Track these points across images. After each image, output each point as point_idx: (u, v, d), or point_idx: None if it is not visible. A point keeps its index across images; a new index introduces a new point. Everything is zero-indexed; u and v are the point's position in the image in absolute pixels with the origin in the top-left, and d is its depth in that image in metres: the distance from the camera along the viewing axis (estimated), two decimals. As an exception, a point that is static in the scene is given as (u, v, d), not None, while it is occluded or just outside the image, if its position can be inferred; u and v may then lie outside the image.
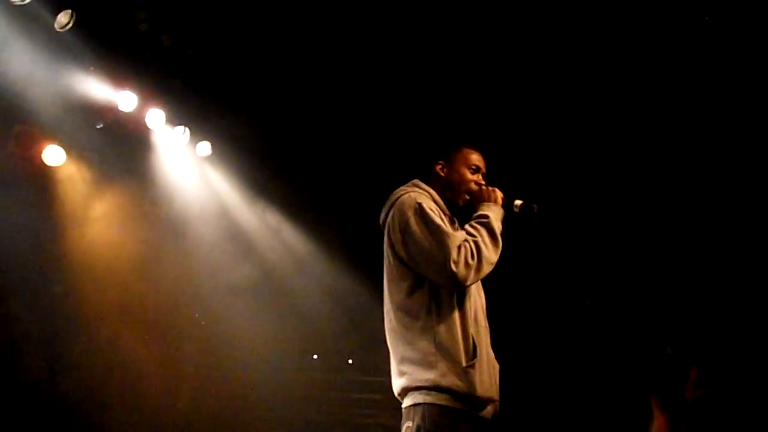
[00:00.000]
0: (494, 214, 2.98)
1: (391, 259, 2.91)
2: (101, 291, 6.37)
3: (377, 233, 3.07)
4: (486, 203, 3.03)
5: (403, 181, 3.14)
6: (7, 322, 6.43)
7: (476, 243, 2.82)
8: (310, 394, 7.94)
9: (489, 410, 2.84)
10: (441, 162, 3.16)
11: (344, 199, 6.48)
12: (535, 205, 3.10)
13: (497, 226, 2.94)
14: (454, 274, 2.73)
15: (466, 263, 2.75)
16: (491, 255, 2.85)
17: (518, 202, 3.09)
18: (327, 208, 6.76)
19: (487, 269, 2.83)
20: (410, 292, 2.84)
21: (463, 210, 3.10)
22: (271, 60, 5.92)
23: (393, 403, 2.97)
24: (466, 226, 2.94)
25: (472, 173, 3.14)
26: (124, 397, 6.84)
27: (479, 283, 3.01)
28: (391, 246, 2.90)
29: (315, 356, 7.99)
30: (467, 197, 3.11)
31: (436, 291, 2.83)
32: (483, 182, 3.15)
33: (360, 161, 5.99)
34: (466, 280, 2.76)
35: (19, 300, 6.43)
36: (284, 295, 7.16)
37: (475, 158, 3.17)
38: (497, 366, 2.95)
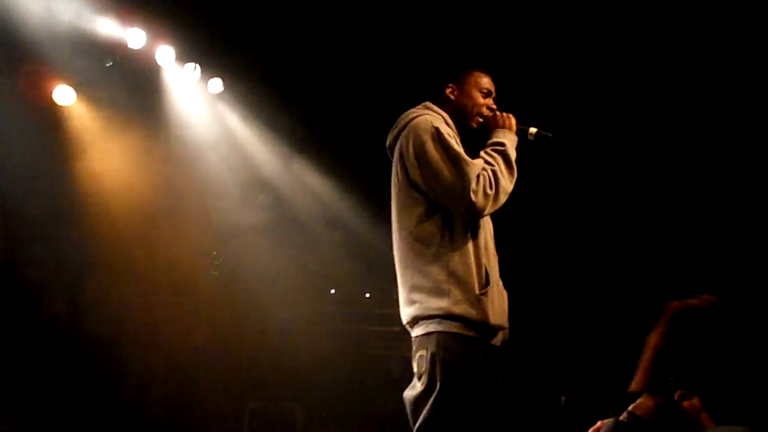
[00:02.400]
0: (510, 141, 2.90)
1: (403, 184, 2.83)
2: (117, 232, 6.41)
3: (389, 167, 3.00)
4: (501, 129, 2.94)
5: (411, 105, 3.02)
6: (28, 264, 6.52)
7: (494, 172, 2.75)
8: (327, 328, 8.04)
9: (499, 337, 2.82)
10: (451, 85, 3.03)
11: (358, 132, 6.43)
12: (551, 134, 3.02)
13: (513, 154, 2.86)
14: (472, 204, 2.68)
15: (485, 193, 2.70)
16: (508, 184, 2.79)
17: (533, 129, 3.01)
18: (340, 141, 6.71)
19: (503, 199, 2.78)
20: (423, 218, 2.77)
21: (476, 134, 3.01)
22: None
23: (410, 335, 2.96)
24: (482, 153, 2.85)
25: (484, 97, 3.03)
26: (140, 334, 6.95)
27: None
28: (404, 170, 2.82)
29: (332, 290, 8.07)
30: (480, 120, 3.01)
31: (449, 218, 2.76)
32: (494, 107, 3.05)
33: (372, 91, 5.90)
34: (484, 209, 2.72)
35: (39, 243, 6.51)
36: (300, 231, 7.19)
37: (486, 81, 3.06)
38: (506, 294, 2.91)
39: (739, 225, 5.89)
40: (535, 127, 3.03)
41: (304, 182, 6.94)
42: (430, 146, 2.76)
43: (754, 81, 5.39)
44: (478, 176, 2.70)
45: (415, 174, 2.78)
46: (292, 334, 7.82)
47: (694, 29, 5.30)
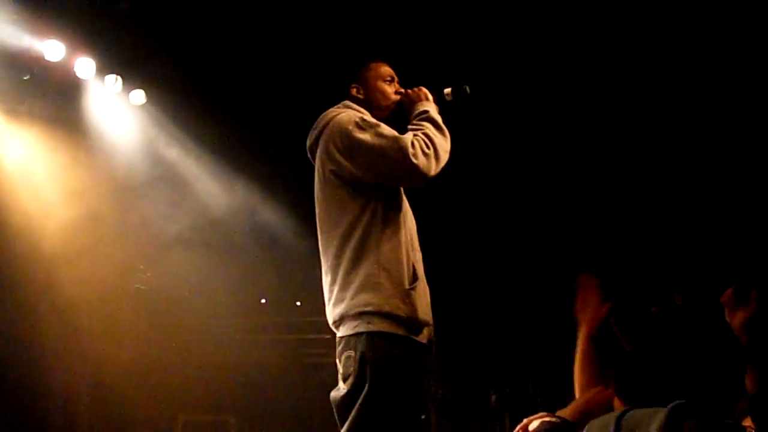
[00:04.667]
0: (431, 108, 2.94)
1: (330, 182, 2.86)
2: (36, 247, 6.26)
3: (311, 170, 3.02)
4: (417, 103, 2.98)
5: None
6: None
7: (426, 134, 2.79)
8: (259, 338, 8.01)
9: (425, 334, 2.86)
10: (354, 85, 3.08)
11: (283, 139, 6.43)
12: (467, 86, 3.07)
13: (438, 118, 2.91)
14: (415, 166, 2.71)
15: (424, 152, 2.73)
16: (443, 143, 2.83)
17: (447, 90, 3.06)
18: (264, 149, 6.70)
19: (444, 157, 2.81)
20: (352, 215, 2.79)
21: (396, 120, 3.03)
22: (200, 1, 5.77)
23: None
24: (408, 126, 2.90)
25: (389, 84, 3.09)
26: (64, 353, 6.78)
27: (409, 208, 3.02)
28: (331, 167, 2.84)
29: (263, 300, 8.04)
30: (392, 107, 3.05)
31: (377, 214, 2.80)
32: (402, 90, 3.09)
33: (295, 97, 5.90)
34: (429, 169, 2.75)
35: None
36: (227, 242, 7.14)
37: (385, 69, 3.11)
38: (428, 290, 2.95)
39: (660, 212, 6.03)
40: (447, 87, 3.07)
41: (229, 192, 6.91)
42: (358, 133, 2.79)
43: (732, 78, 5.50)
44: (411, 142, 2.74)
45: (345, 167, 2.80)
46: (223, 346, 7.78)
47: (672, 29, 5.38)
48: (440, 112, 2.98)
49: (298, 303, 8.02)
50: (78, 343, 6.79)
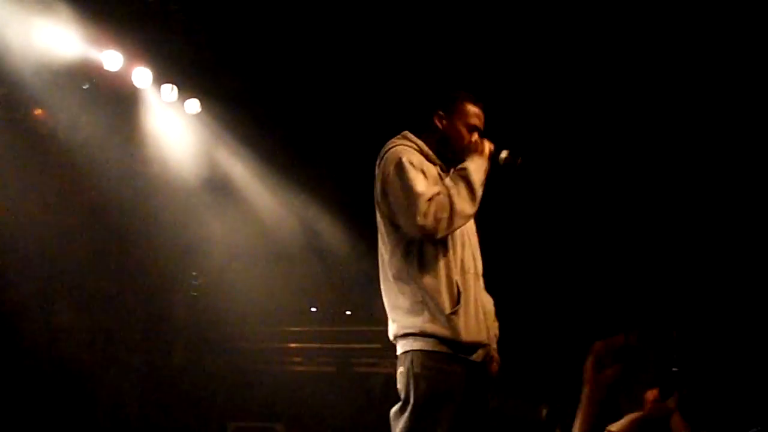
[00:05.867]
0: (476, 165, 2.91)
1: (379, 212, 2.96)
2: (93, 253, 6.39)
3: (371, 184, 3.06)
4: (471, 154, 2.96)
5: (397, 128, 3.08)
6: (6, 288, 6.46)
7: (450, 196, 2.81)
8: (309, 346, 8.03)
9: (480, 354, 2.89)
10: (441, 113, 3.04)
11: (338, 151, 6.46)
12: (520, 158, 3.04)
13: (476, 178, 2.88)
14: (422, 227, 2.77)
15: (435, 216, 2.77)
16: (466, 207, 2.83)
17: (503, 154, 3.03)
18: (320, 161, 6.74)
19: (459, 222, 2.83)
20: (396, 243, 2.88)
21: (455, 162, 3.02)
22: (258, 11, 5.83)
23: (391, 352, 3.02)
24: (446, 179, 2.92)
25: (469, 132, 3.02)
26: (118, 357, 6.91)
27: (471, 227, 3.03)
28: (378, 199, 2.95)
29: (313, 309, 8.06)
30: (462, 154, 3.00)
31: (416, 245, 2.86)
32: (477, 138, 3.03)
33: (351, 111, 5.93)
34: (435, 232, 2.79)
35: (16, 267, 6.45)
36: (280, 251, 7.19)
37: (475, 114, 3.04)
38: (489, 308, 2.99)
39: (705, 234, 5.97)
40: (507, 150, 3.04)
41: (283, 202, 6.95)
42: (392, 175, 2.87)
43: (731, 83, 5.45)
44: (430, 200, 2.79)
45: (380, 202, 2.92)
46: (272, 353, 7.81)
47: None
48: (490, 169, 2.97)
49: (348, 312, 8.02)
50: (132, 351, 6.90)
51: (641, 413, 2.17)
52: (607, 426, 2.11)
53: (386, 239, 2.93)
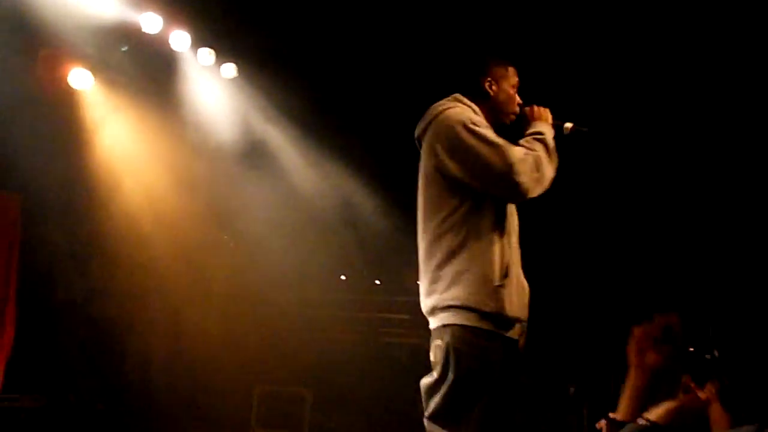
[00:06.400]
0: (548, 131, 2.91)
1: (432, 176, 2.85)
2: (133, 214, 6.46)
3: (409, 153, 3.01)
4: (537, 122, 2.94)
5: (435, 94, 3.01)
6: (43, 245, 6.59)
7: (537, 157, 2.77)
8: (339, 314, 8.07)
9: (516, 330, 2.84)
10: (489, 79, 3.00)
11: (373, 118, 6.41)
12: (586, 128, 3.03)
13: (552, 144, 2.88)
14: (517, 185, 2.71)
15: (530, 175, 2.72)
16: (549, 171, 2.81)
17: (569, 124, 3.01)
18: (355, 127, 6.70)
19: (546, 185, 2.80)
20: (452, 211, 2.79)
21: (510, 129, 3.00)
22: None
23: (420, 323, 3.00)
24: (521, 142, 2.86)
25: (515, 92, 3.03)
26: (155, 318, 7.03)
27: (514, 204, 2.98)
28: (434, 162, 2.83)
29: (343, 277, 8.09)
30: (513, 117, 3.01)
31: (478, 212, 2.79)
32: (521, 102, 3.05)
33: (389, 77, 5.86)
34: (528, 191, 2.74)
35: (53, 224, 6.57)
36: (311, 218, 7.20)
37: (514, 75, 3.04)
38: (527, 288, 2.93)
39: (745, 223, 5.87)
40: (570, 122, 3.02)
41: (317, 168, 6.94)
42: (465, 135, 2.77)
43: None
44: (521, 159, 2.72)
45: (451, 166, 2.79)
46: (302, 320, 7.87)
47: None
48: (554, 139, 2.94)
49: (378, 282, 8.04)
50: (167, 312, 7.01)
51: (679, 402, 2.13)
52: (643, 414, 2.08)
53: (442, 204, 2.82)
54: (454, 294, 2.74)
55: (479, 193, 2.79)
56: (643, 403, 2.24)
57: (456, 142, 2.78)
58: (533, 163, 2.74)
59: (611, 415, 2.29)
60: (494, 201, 2.84)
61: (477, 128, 2.78)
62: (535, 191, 2.76)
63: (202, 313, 7.10)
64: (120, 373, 7.08)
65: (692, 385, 2.13)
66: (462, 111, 2.88)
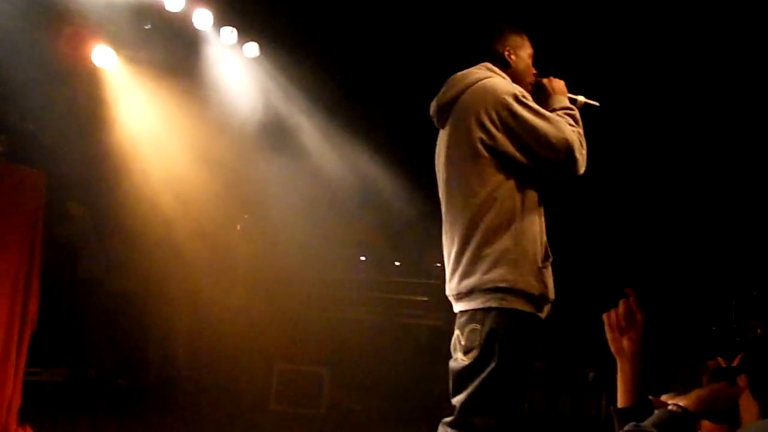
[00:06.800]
0: (572, 106, 2.85)
1: (477, 152, 2.69)
2: (154, 191, 6.50)
3: (431, 135, 2.91)
4: (558, 95, 2.87)
5: (458, 70, 2.89)
6: (67, 220, 6.66)
7: (580, 133, 2.74)
8: (358, 294, 8.10)
9: (546, 310, 2.75)
10: (509, 47, 2.91)
11: (395, 99, 6.38)
12: (598, 103, 2.97)
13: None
14: (576, 161, 2.67)
15: (582, 152, 2.70)
16: (585, 147, 2.76)
17: (581, 98, 2.95)
18: (377, 108, 6.68)
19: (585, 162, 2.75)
20: (496, 187, 2.67)
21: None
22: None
23: (439, 305, 2.96)
24: (559, 115, 2.78)
25: (531, 61, 2.96)
26: (180, 294, 7.09)
27: None
28: (482, 137, 2.68)
29: (363, 258, 8.11)
30: (531, 88, 2.91)
31: (522, 188, 2.69)
32: (536, 71, 2.98)
33: (412, 56, 5.82)
34: (581, 168, 2.71)
35: (77, 201, 6.63)
36: (332, 199, 7.21)
37: (529, 44, 2.97)
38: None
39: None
40: (582, 95, 2.98)
41: (338, 149, 6.94)
42: (520, 109, 2.67)
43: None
44: (574, 136, 2.69)
45: (497, 138, 2.67)
46: (321, 300, 7.90)
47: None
48: None
49: (397, 263, 8.04)
50: (192, 288, 7.06)
51: (710, 389, 2.11)
52: (673, 401, 2.06)
53: (485, 180, 2.67)
54: (502, 275, 2.61)
55: (526, 169, 2.70)
56: (638, 387, 2.23)
57: (510, 117, 2.66)
58: (580, 140, 2.71)
59: (614, 407, 2.27)
60: (537, 178, 2.75)
61: (529, 102, 2.70)
62: (584, 168, 2.72)
63: (223, 291, 7.15)
64: (141, 349, 7.16)
65: (724, 364, 2.11)
66: (506, 82, 2.78)
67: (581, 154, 2.69)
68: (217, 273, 7.12)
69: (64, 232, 6.62)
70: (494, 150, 2.69)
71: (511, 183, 2.69)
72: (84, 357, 6.61)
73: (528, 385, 2.73)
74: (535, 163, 2.69)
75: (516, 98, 2.68)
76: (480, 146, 2.69)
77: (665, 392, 2.20)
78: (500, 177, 2.68)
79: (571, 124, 2.74)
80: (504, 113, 2.67)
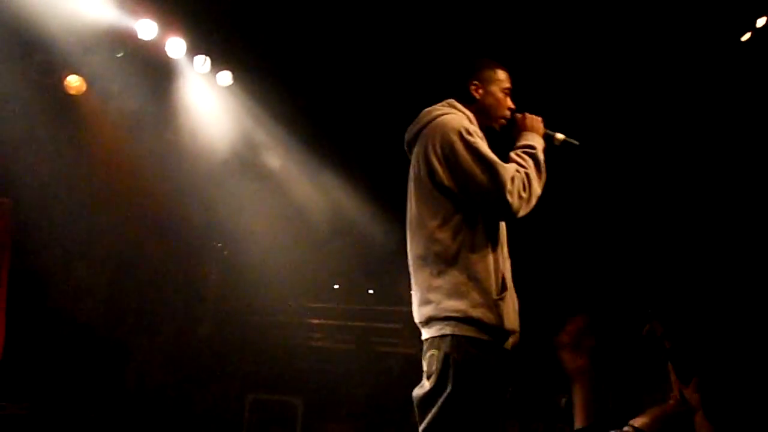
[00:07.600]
0: (539, 145, 2.86)
1: (426, 184, 2.77)
2: (124, 221, 6.46)
3: (403, 163, 2.94)
4: (528, 132, 2.89)
5: (430, 102, 2.95)
6: (35, 251, 6.57)
7: (527, 175, 2.73)
8: (330, 323, 8.07)
9: (510, 341, 2.79)
10: (475, 82, 2.93)
11: (367, 127, 6.42)
12: (577, 142, 2.98)
13: (542, 158, 2.83)
14: (508, 205, 2.66)
15: (519, 195, 2.68)
16: (538, 188, 2.76)
17: (560, 136, 2.96)
18: (349, 136, 6.71)
19: (534, 202, 2.75)
20: (445, 219, 2.73)
21: (499, 135, 2.96)
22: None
23: (413, 333, 2.97)
24: (513, 155, 2.81)
25: (505, 96, 2.97)
26: (147, 323, 7.02)
27: None
28: (428, 170, 2.76)
29: (336, 286, 8.09)
30: (503, 122, 2.95)
31: (471, 220, 2.73)
32: (514, 107, 2.99)
33: (382, 88, 5.87)
34: (518, 211, 2.70)
35: (46, 230, 6.56)
36: (304, 226, 7.21)
37: (506, 78, 2.97)
38: (516, 298, 2.87)
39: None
40: (561, 133, 2.98)
41: (311, 177, 6.95)
42: (460, 147, 2.71)
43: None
44: (512, 178, 2.68)
45: (442, 175, 2.73)
46: (294, 328, 7.86)
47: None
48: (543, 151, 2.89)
49: (371, 291, 8.03)
50: (161, 317, 7.00)
51: (664, 408, 2.14)
52: (629, 421, 2.08)
53: (435, 212, 2.74)
54: (454, 306, 2.67)
55: (470, 203, 2.74)
56: (593, 405, 2.25)
57: (452, 152, 2.71)
58: (523, 183, 2.71)
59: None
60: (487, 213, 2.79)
61: (472, 139, 2.73)
62: (523, 211, 2.72)
63: (194, 319, 7.10)
64: (111, 380, 7.05)
65: (676, 382, 2.14)
66: (457, 118, 2.82)
67: (517, 197, 2.68)
68: (188, 301, 7.06)
69: (32, 261, 6.53)
70: (439, 185, 2.74)
71: (458, 217, 2.73)
72: (52, 390, 6.49)
73: (499, 414, 2.76)
74: (470, 199, 2.73)
75: (460, 135, 2.73)
76: (428, 180, 2.77)
77: (634, 415, 2.22)
78: (448, 210, 2.73)
79: (521, 165, 2.75)
80: (447, 149, 2.73)
